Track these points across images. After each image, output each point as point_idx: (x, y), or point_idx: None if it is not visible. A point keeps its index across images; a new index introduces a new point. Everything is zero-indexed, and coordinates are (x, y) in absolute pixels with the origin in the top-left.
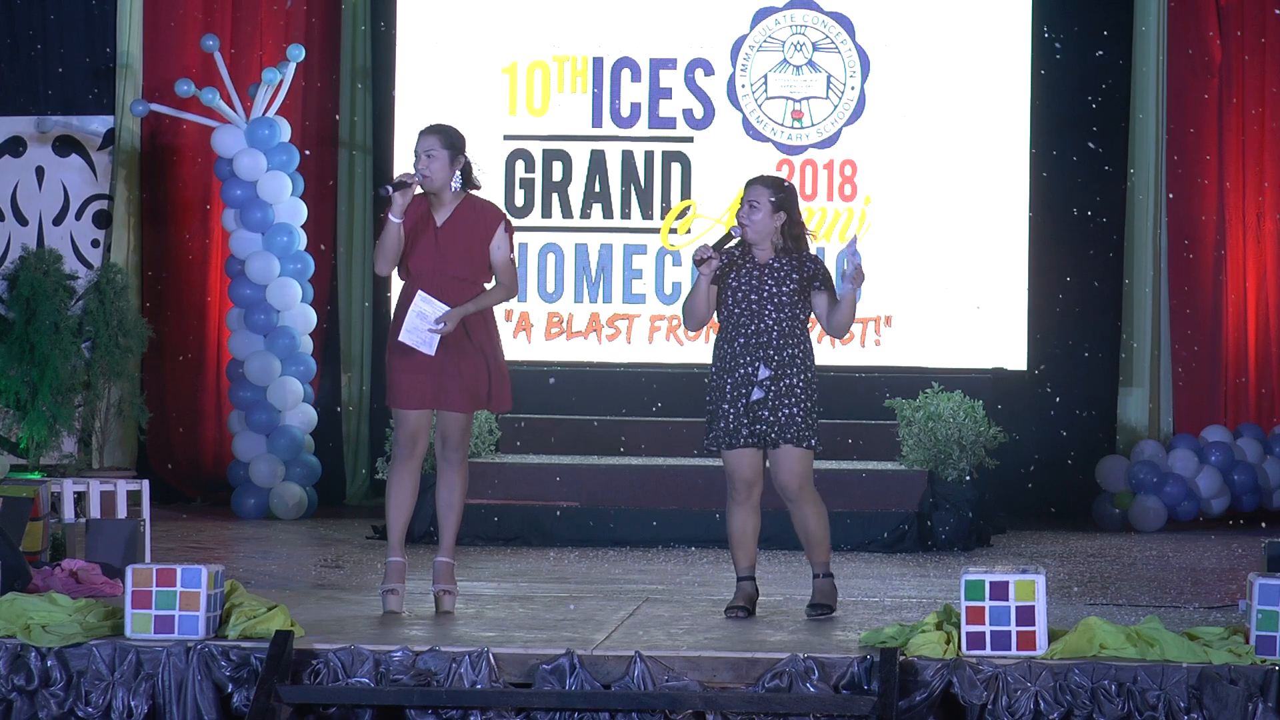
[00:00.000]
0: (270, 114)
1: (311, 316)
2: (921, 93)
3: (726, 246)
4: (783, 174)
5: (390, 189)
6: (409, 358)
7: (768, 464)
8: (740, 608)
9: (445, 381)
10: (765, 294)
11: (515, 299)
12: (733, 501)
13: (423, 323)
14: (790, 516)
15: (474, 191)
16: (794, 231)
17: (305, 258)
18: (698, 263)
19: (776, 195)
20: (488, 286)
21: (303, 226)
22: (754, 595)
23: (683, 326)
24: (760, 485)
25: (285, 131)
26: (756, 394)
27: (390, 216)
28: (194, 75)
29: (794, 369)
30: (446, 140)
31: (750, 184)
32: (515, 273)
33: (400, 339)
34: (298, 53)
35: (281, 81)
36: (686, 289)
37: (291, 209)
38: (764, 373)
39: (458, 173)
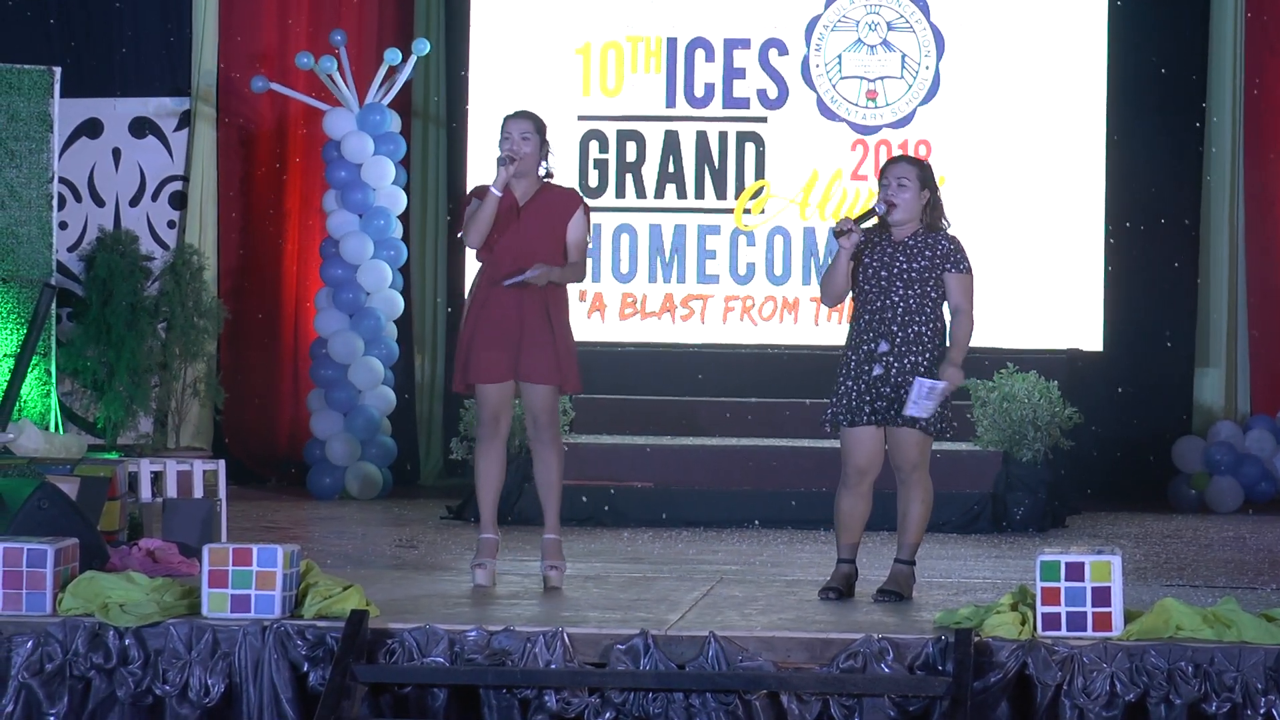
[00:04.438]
0: (384, 102)
1: (398, 303)
2: (996, 72)
3: (866, 224)
4: (915, 154)
5: (507, 158)
6: (487, 335)
7: (886, 446)
8: (834, 589)
9: (523, 355)
10: (896, 270)
11: (588, 279)
12: (842, 485)
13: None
14: (895, 497)
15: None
16: (936, 211)
17: (399, 245)
18: (838, 234)
19: (922, 173)
20: None
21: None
22: (851, 577)
23: (822, 301)
24: (874, 474)
25: (396, 122)
26: (876, 370)
27: (492, 189)
28: (270, 55)
29: (918, 347)
30: (537, 125)
31: (894, 163)
32: (587, 255)
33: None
34: (422, 46)
35: (394, 71)
36: (760, 269)
37: (391, 196)
38: (883, 347)
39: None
